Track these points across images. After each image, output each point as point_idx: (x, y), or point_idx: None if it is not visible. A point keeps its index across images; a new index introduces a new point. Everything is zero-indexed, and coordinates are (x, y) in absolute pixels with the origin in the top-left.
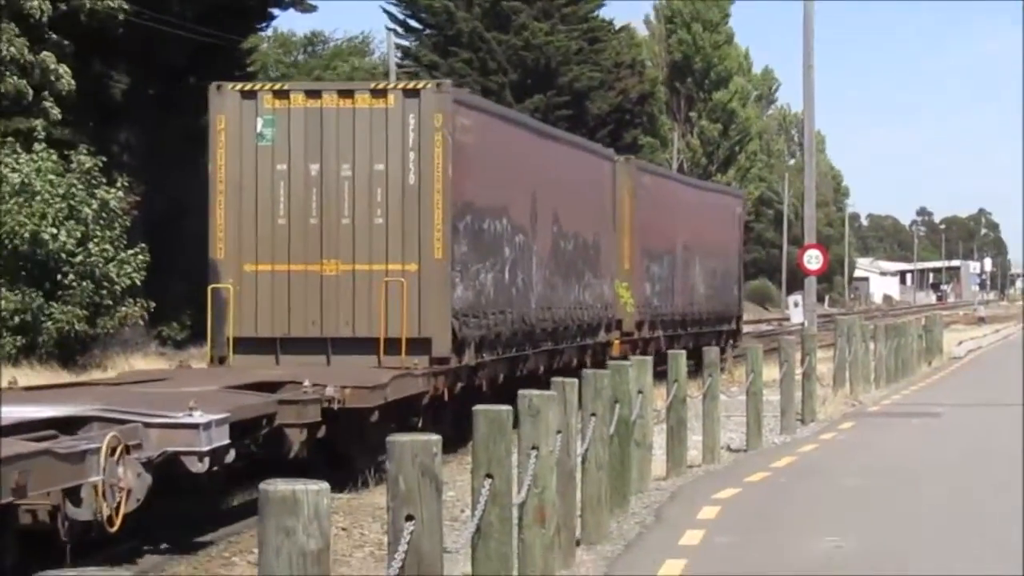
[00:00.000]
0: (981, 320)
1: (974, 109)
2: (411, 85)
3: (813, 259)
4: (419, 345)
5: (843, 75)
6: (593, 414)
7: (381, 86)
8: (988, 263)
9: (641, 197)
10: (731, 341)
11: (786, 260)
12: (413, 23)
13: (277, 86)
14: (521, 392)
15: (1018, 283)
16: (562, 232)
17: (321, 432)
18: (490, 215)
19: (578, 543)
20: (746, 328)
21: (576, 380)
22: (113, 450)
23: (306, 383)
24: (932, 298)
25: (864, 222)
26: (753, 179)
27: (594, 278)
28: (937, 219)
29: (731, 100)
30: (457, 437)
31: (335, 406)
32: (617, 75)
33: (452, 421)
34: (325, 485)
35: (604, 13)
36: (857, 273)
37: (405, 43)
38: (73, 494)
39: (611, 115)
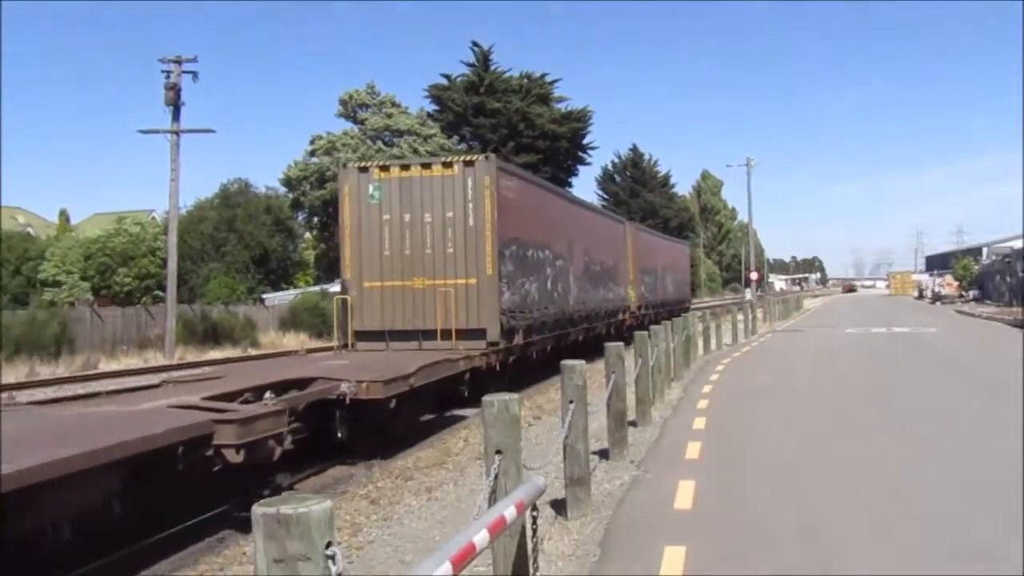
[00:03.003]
0: (816, 296)
1: (819, 202)
2: (469, 158)
3: (753, 275)
4: (478, 333)
5: (768, 185)
6: (676, 333)
7: (449, 160)
8: (820, 275)
9: (637, 242)
10: (684, 314)
11: (744, 276)
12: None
13: (381, 163)
14: (652, 326)
15: (830, 283)
16: (592, 260)
17: (288, 443)
18: (532, 246)
19: (671, 379)
20: (727, 302)
21: (670, 321)
22: None
23: (247, 395)
24: (797, 289)
25: (771, 260)
26: (732, 247)
27: (615, 285)
28: (799, 259)
29: (722, 220)
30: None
31: (347, 400)
32: (679, 212)
33: (509, 380)
34: (583, 361)
35: (676, 189)
36: (770, 280)
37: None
38: None
39: (677, 227)
